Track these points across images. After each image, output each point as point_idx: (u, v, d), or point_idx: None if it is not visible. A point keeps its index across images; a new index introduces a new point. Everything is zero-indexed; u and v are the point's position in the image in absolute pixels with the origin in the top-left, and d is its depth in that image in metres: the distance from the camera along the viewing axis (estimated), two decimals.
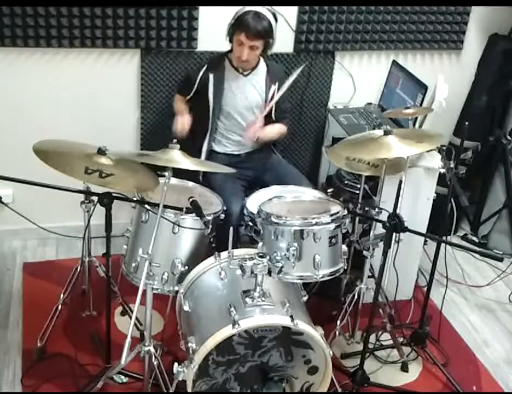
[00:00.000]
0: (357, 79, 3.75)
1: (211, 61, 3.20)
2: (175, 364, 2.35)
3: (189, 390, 2.34)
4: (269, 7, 2.99)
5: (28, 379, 2.70)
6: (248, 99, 3.14)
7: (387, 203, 2.69)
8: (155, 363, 2.42)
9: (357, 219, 2.97)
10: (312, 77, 3.67)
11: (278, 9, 3.10)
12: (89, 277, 2.93)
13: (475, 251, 2.92)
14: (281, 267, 2.46)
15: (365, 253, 2.81)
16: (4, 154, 3.33)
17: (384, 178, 2.72)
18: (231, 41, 3.02)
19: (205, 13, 3.34)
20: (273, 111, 3.16)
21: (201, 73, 3.11)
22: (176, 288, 2.54)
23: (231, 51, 3.11)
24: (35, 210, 3.30)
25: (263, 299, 2.37)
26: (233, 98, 3.12)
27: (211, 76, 3.09)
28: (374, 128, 3.30)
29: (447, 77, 3.25)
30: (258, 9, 2.93)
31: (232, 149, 3.23)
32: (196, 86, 3.12)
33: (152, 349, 2.41)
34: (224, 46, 3.13)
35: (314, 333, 2.37)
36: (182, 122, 3.09)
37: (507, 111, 3.95)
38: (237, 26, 2.95)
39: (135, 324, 2.46)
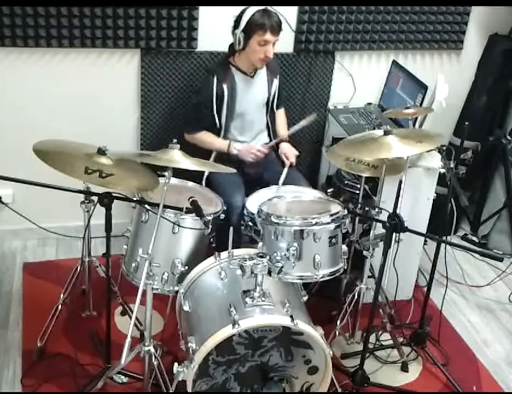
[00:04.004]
0: (357, 79, 3.75)
1: (217, 72, 3.10)
2: (175, 364, 2.35)
3: (189, 390, 2.34)
4: (268, 7, 2.99)
5: (28, 379, 2.70)
6: (256, 98, 3.21)
7: (386, 203, 2.69)
8: (155, 363, 2.42)
9: (357, 219, 2.97)
10: (312, 77, 3.67)
11: (278, 9, 3.10)
12: (89, 277, 2.93)
13: (475, 251, 2.93)
14: (281, 267, 2.46)
15: (365, 253, 2.81)
16: (4, 154, 3.33)
17: (384, 178, 2.72)
18: (245, 46, 2.98)
19: (205, 13, 3.34)
20: (275, 101, 3.27)
21: (215, 88, 3.05)
22: (176, 288, 2.54)
23: (230, 56, 3.12)
24: (35, 210, 3.31)
25: (263, 299, 2.37)
26: (245, 100, 3.14)
27: (225, 86, 3.06)
28: (374, 128, 3.30)
29: (447, 77, 3.25)
30: (259, 7, 2.94)
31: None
32: (214, 104, 3.08)
33: (152, 349, 2.41)
34: (224, 46, 3.14)
35: (314, 333, 2.37)
36: (258, 152, 3.10)
37: (507, 111, 3.95)
38: (253, 28, 2.92)
39: (135, 324, 2.46)
